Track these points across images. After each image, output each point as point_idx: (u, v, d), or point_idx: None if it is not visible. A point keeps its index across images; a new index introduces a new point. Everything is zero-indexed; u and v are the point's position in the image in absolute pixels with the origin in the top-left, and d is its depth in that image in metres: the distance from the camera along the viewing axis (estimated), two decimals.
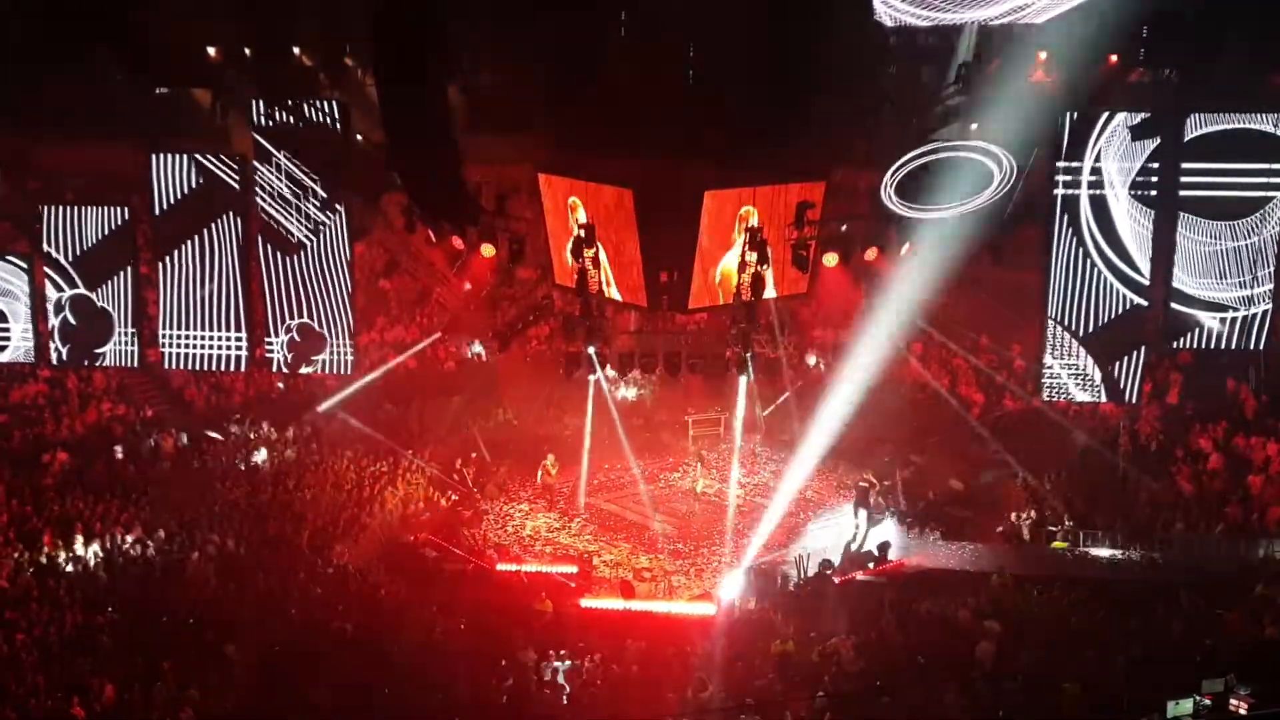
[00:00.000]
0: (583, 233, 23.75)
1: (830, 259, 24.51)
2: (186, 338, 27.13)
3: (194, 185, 26.41)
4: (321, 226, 26.23)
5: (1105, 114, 23.95)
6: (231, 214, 26.48)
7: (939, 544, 25.49)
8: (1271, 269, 24.51)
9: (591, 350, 26.12)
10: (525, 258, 26.10)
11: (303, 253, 26.40)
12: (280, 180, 26.07)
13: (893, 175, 23.44)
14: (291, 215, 26.23)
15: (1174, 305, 25.10)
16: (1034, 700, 18.77)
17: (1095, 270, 24.45)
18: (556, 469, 29.03)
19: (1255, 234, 24.34)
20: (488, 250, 25.79)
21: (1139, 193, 24.27)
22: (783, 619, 22.83)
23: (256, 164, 26.18)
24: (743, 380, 27.92)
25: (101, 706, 19.26)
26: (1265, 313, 24.91)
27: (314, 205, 26.15)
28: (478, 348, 33.74)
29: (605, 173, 23.29)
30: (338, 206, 26.22)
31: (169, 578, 23.69)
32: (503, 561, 25.51)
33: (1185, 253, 24.65)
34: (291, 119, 25.87)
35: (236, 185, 26.37)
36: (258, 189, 26.30)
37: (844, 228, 24.82)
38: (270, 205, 26.25)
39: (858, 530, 26.52)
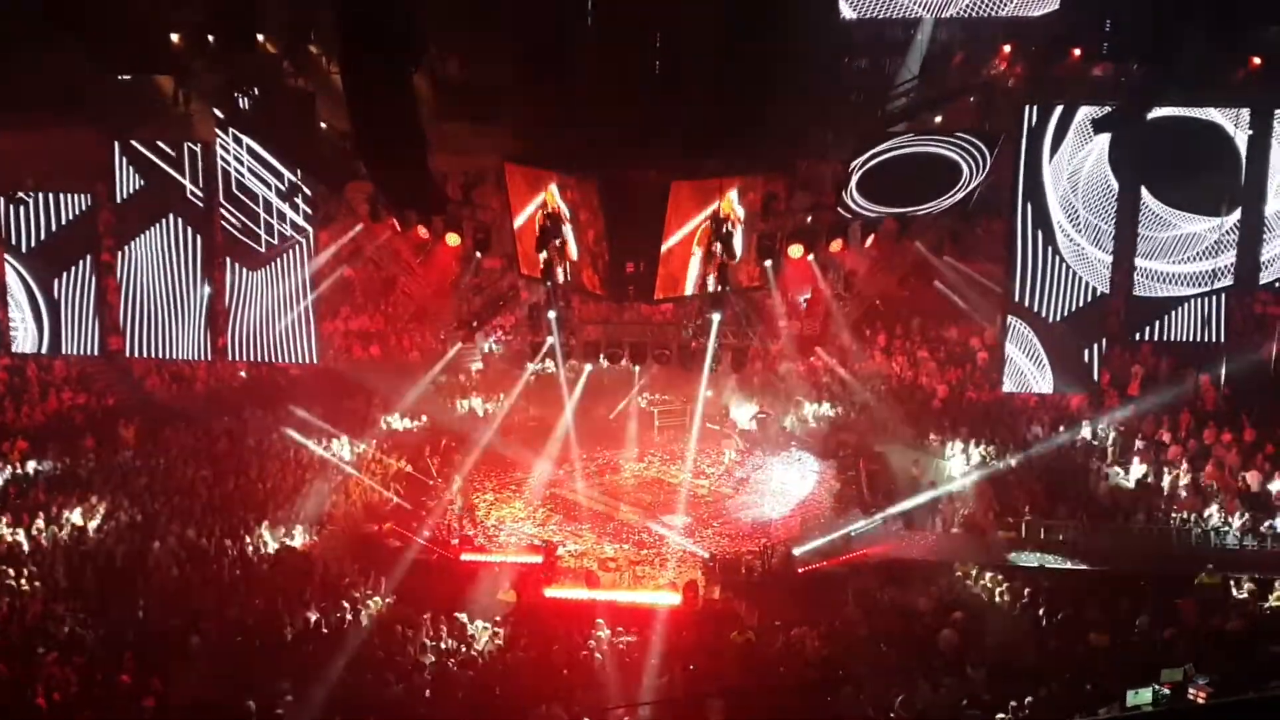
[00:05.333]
0: (549, 223, 23.73)
1: (795, 250, 24.57)
2: (148, 326, 26.89)
3: (156, 173, 26.19)
4: (285, 214, 26.08)
5: (1068, 107, 24.11)
6: (193, 202, 26.27)
7: (902, 534, 25.68)
8: (1232, 260, 24.78)
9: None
10: (491, 247, 26.06)
11: (266, 241, 26.24)
12: (243, 168, 25.91)
13: (858, 168, 23.51)
14: (254, 203, 26.06)
15: (1135, 297, 25.34)
16: (996, 690, 18.93)
17: (1058, 262, 24.62)
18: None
19: (1215, 226, 24.60)
20: (453, 240, 25.70)
21: (1101, 185, 24.46)
22: (746, 608, 22.94)
23: (220, 152, 25.98)
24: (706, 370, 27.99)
25: (64, 696, 19.13)
26: (1225, 304, 25.19)
27: (277, 192, 25.99)
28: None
29: (572, 163, 23.26)
30: (301, 194, 26.07)
31: (131, 566, 23.55)
32: (467, 551, 25.49)
33: (1147, 244, 24.87)
34: (255, 107, 25.71)
35: (199, 173, 26.16)
36: (220, 178, 26.10)
37: (809, 219, 24.88)
38: (233, 193, 26.06)
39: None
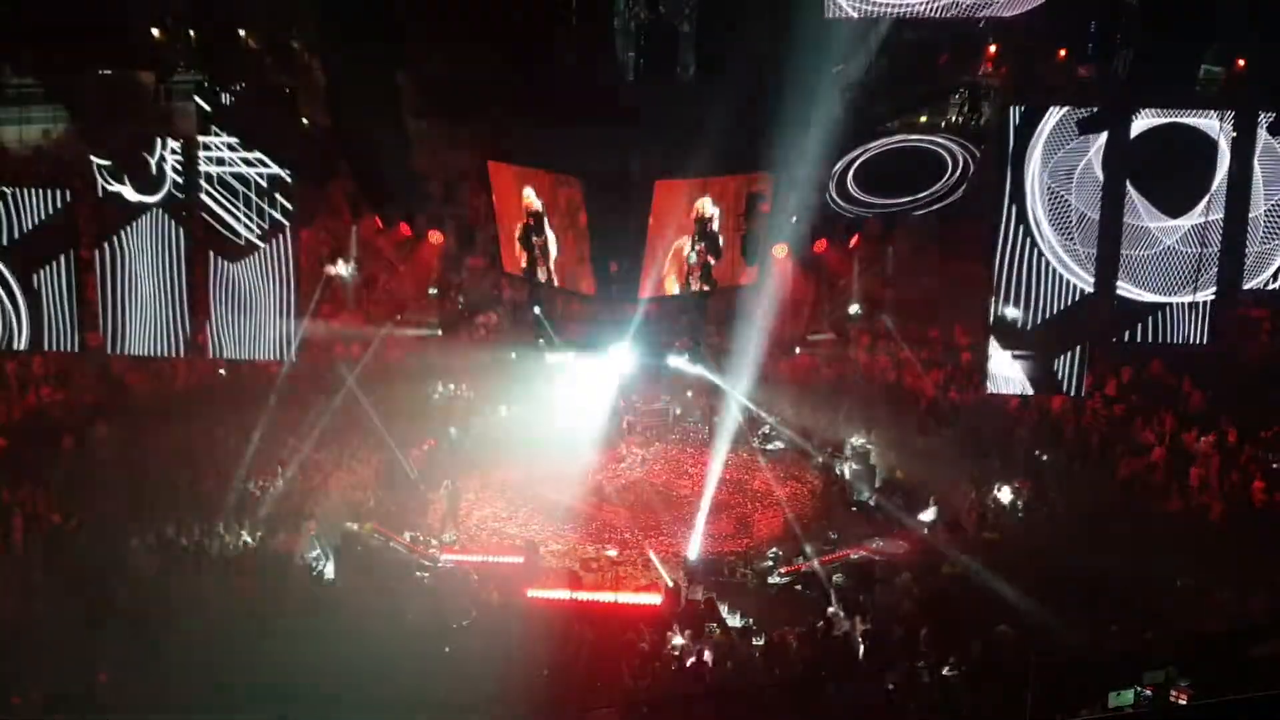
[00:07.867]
0: (532, 221, 23.65)
1: (780, 250, 24.53)
2: (127, 322, 26.69)
3: (136, 169, 25.99)
4: (267, 212, 25.93)
5: (1053, 107, 24.08)
6: (174, 199, 26.08)
7: (883, 533, 25.63)
8: (1215, 264, 24.77)
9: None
10: (474, 245, 25.98)
11: (247, 240, 26.08)
12: (224, 165, 25.77)
13: (843, 166, 23.49)
14: (236, 200, 25.90)
15: (1120, 299, 25.32)
16: (978, 690, 18.90)
17: (1041, 263, 24.58)
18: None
19: (1198, 229, 24.60)
20: (435, 237, 25.65)
21: (1085, 186, 24.44)
22: (728, 609, 22.87)
23: (200, 148, 25.83)
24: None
25: (40, 697, 18.96)
26: (1210, 307, 25.17)
27: (258, 190, 25.85)
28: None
29: (555, 161, 23.18)
30: (282, 191, 25.92)
31: (107, 565, 23.37)
32: (447, 551, 25.36)
33: (1132, 247, 24.86)
34: (237, 102, 25.56)
35: (180, 169, 25.98)
36: (201, 174, 25.93)
37: (794, 219, 24.83)
38: (215, 191, 25.90)
39: None
